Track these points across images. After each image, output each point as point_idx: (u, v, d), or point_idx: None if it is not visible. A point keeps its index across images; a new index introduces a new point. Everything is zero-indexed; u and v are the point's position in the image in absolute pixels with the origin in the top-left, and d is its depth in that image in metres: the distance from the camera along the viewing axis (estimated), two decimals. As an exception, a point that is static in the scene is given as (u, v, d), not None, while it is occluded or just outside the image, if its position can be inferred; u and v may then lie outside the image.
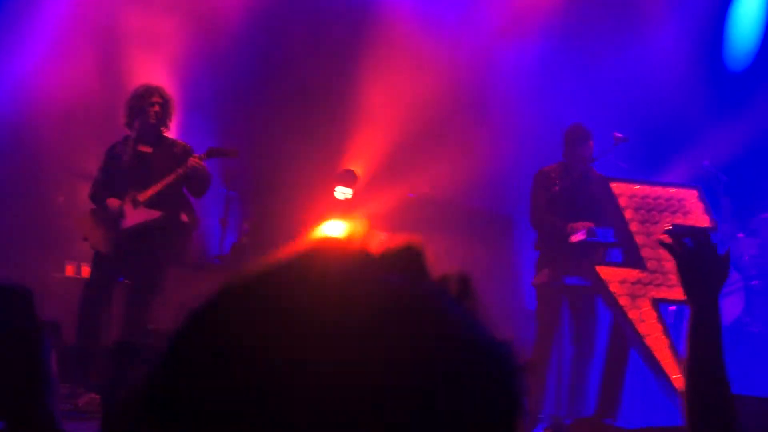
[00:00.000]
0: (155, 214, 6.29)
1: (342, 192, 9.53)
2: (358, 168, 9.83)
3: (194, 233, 8.38)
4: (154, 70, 9.71)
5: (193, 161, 6.30)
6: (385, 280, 0.89)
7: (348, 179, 9.54)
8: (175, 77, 9.82)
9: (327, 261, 0.88)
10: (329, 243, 0.92)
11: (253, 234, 9.54)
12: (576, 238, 6.27)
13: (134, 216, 6.29)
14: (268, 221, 9.56)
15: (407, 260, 0.95)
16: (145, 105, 6.36)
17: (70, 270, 8.57)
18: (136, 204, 6.29)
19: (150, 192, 6.32)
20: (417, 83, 9.77)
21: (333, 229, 9.38)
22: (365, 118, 10.01)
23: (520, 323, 7.78)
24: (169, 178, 6.31)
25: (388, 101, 9.85)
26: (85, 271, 8.47)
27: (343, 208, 9.37)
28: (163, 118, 6.45)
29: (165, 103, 6.46)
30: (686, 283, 2.37)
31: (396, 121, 9.81)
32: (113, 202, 6.29)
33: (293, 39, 10.20)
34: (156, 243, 6.40)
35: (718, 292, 2.35)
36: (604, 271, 6.04)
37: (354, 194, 9.56)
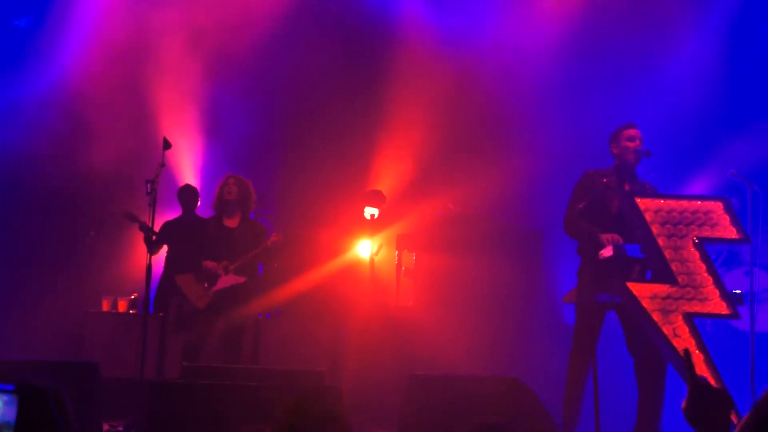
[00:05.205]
0: (240, 279, 7.81)
1: (370, 212, 9.54)
2: (385, 187, 9.85)
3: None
4: (185, 95, 9.87)
5: (274, 238, 7.88)
6: None
7: (376, 199, 9.55)
8: (206, 100, 9.98)
9: None
10: None
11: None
12: (604, 254, 6.22)
13: (224, 280, 7.79)
14: (296, 244, 9.58)
15: None
16: (224, 187, 7.93)
17: (106, 305, 8.69)
18: (226, 271, 7.78)
19: (238, 263, 7.78)
20: (444, 100, 9.79)
21: (363, 249, 9.41)
22: (392, 137, 10.05)
23: (558, 338, 7.75)
24: (254, 252, 7.79)
25: (415, 119, 9.88)
26: (121, 305, 8.60)
27: (371, 228, 9.37)
28: (242, 199, 7.85)
29: (240, 184, 7.87)
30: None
31: (423, 139, 9.84)
32: (209, 265, 7.76)
33: (320, 60, 10.27)
34: (240, 299, 7.83)
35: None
36: (635, 288, 6.03)
37: (383, 213, 9.57)
